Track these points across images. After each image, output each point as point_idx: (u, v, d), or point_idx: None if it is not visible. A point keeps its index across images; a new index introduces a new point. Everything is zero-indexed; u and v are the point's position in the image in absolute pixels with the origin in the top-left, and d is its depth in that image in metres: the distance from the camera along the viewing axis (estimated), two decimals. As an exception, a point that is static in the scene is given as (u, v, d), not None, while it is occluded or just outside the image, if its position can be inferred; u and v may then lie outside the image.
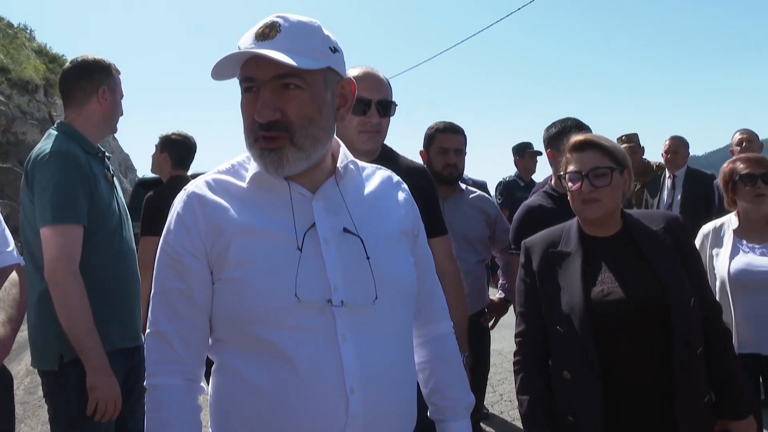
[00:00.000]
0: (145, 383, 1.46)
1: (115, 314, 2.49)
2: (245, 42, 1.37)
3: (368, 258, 1.42)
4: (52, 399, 2.44)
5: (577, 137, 2.17)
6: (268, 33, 1.35)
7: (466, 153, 3.46)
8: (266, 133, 1.36)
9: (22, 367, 6.16)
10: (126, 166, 30.84)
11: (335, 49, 1.42)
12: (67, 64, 2.65)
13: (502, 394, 5.36)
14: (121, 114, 2.71)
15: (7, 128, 13.22)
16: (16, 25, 18.78)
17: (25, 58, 16.18)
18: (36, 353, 2.45)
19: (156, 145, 4.32)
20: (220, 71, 1.37)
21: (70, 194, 2.36)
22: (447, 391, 1.68)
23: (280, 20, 1.36)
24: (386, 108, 2.38)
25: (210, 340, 1.49)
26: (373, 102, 2.32)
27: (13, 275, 2.07)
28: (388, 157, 2.46)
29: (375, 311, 1.41)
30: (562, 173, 2.15)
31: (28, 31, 19.36)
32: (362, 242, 1.43)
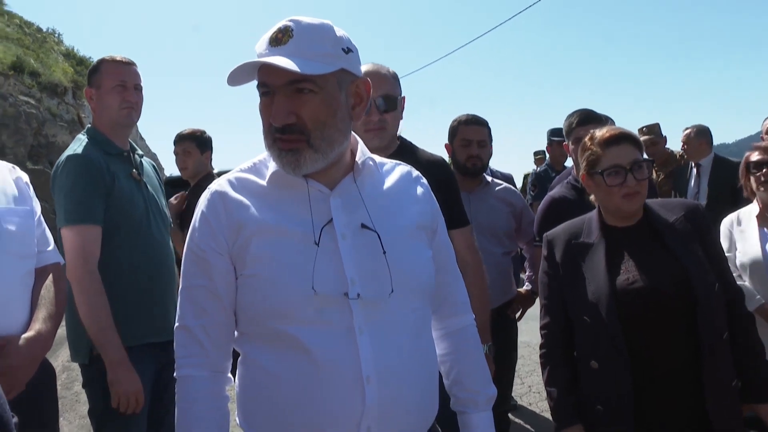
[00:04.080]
0: (174, 374, 1.51)
1: (142, 308, 2.56)
2: (260, 47, 1.41)
3: (384, 252, 1.45)
4: (87, 391, 2.54)
5: (608, 132, 2.16)
6: (281, 38, 1.38)
7: (491, 145, 3.48)
8: (282, 136, 1.40)
9: (58, 363, 6.30)
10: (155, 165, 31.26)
11: (348, 50, 1.44)
12: None
13: (531, 386, 5.37)
14: (130, 103, 2.70)
15: (38, 131, 13.44)
16: (44, 30, 19.08)
17: (53, 62, 16.43)
18: (71, 347, 2.55)
19: (190, 147, 4.19)
20: (235, 78, 1.42)
21: (83, 196, 2.44)
22: (467, 383, 1.70)
23: (292, 25, 1.39)
24: (389, 103, 2.41)
25: (236, 333, 1.53)
26: (373, 100, 2.33)
27: (55, 273, 2.15)
28: (406, 151, 2.49)
29: (391, 304, 1.44)
30: (599, 170, 2.11)
31: (57, 35, 19.66)
32: (379, 237, 1.46)
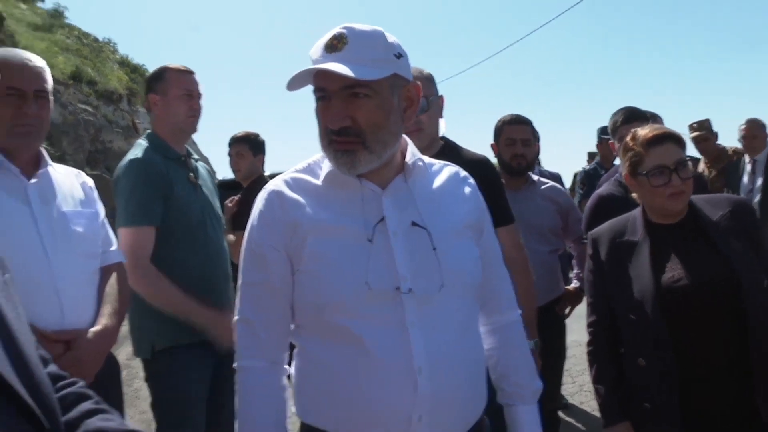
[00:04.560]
0: (234, 365, 1.59)
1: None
2: (315, 53, 1.48)
3: (434, 249, 1.50)
4: (151, 384, 2.65)
5: (651, 132, 2.15)
6: (336, 45, 1.44)
7: (537, 144, 3.50)
8: (339, 138, 1.46)
9: (119, 360, 6.52)
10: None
11: (399, 55, 1.50)
12: None
13: (582, 385, 5.34)
14: (194, 112, 2.80)
15: (95, 137, 13.89)
16: (101, 40, 19.70)
17: (109, 70, 16.96)
18: (134, 343, 2.66)
19: (243, 150, 4.27)
20: (293, 83, 1.48)
21: (143, 198, 2.54)
22: (513, 376, 1.75)
23: (346, 32, 1.45)
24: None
25: (292, 326, 1.61)
26: None
27: (119, 272, 2.27)
28: (450, 151, 2.53)
29: (441, 299, 1.49)
30: (642, 171, 2.11)
31: (112, 45, 20.28)
32: (429, 234, 1.51)
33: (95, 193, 2.34)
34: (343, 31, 1.45)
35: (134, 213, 2.53)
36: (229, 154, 4.31)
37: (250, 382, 1.56)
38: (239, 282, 1.60)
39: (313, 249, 1.49)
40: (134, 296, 2.49)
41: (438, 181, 1.66)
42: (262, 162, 4.36)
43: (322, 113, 1.49)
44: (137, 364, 4.48)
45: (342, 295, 1.46)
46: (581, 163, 9.53)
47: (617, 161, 5.68)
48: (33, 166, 2.14)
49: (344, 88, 1.44)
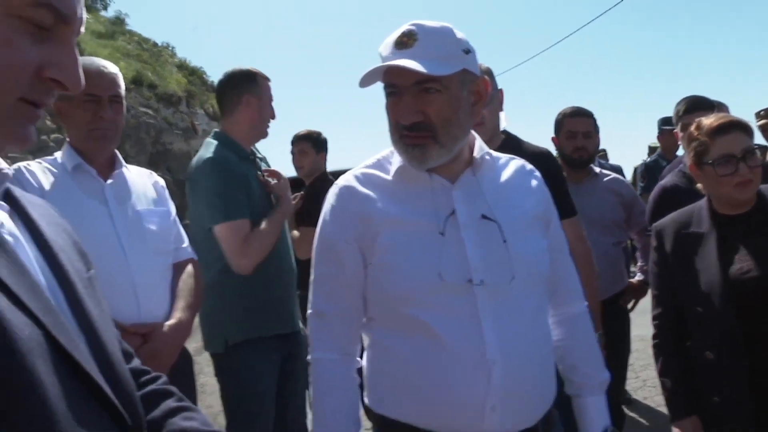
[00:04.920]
0: (308, 357, 1.63)
1: (271, 301, 2.72)
2: (385, 50, 1.50)
3: (505, 241, 1.52)
4: (221, 379, 2.71)
5: (717, 120, 2.12)
6: (406, 42, 1.46)
7: (597, 136, 3.46)
8: (410, 133, 1.49)
9: (184, 357, 6.69)
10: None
11: (468, 50, 1.51)
12: (220, 77, 2.88)
13: (646, 380, 5.25)
14: (272, 118, 2.89)
15: (156, 139, 14.24)
16: (160, 44, 20.22)
17: (168, 73, 17.36)
18: (206, 338, 2.72)
19: (306, 147, 4.30)
20: (365, 80, 1.50)
21: (231, 194, 2.59)
22: (581, 367, 1.75)
23: (415, 28, 1.47)
24: None
25: (364, 319, 1.64)
26: None
27: (189, 268, 2.35)
28: (512, 145, 2.53)
29: (512, 290, 1.51)
30: (708, 161, 2.08)
31: (170, 48, 20.78)
32: (499, 227, 1.53)
33: (167, 192, 2.42)
34: (413, 27, 1.47)
35: (228, 209, 2.57)
36: (292, 152, 4.35)
37: (324, 374, 1.60)
38: (312, 276, 1.64)
39: (386, 242, 1.52)
40: (206, 292, 2.57)
41: (505, 175, 1.67)
42: (325, 159, 4.40)
43: (393, 109, 1.52)
44: (202, 360, 4.61)
45: (415, 287, 1.48)
46: (640, 157, 9.32)
47: (680, 152, 5.59)
48: (109, 167, 2.24)
49: (415, 83, 1.46)
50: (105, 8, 22.41)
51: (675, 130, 3.21)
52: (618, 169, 4.46)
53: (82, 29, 0.83)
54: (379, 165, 1.65)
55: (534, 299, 1.58)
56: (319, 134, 4.36)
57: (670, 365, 2.17)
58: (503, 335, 1.47)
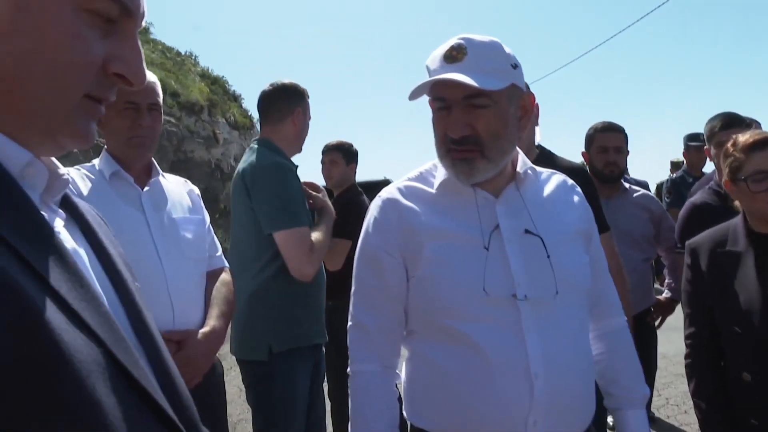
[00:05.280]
0: (348, 370, 1.63)
1: (312, 311, 2.75)
2: (433, 63, 1.51)
3: (548, 256, 1.52)
4: (258, 387, 2.67)
5: (752, 137, 2.10)
6: (455, 56, 1.46)
7: (627, 151, 3.45)
8: (458, 147, 1.49)
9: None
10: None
11: (515, 65, 1.52)
12: (268, 87, 2.89)
13: (668, 398, 5.20)
14: (306, 134, 2.95)
15: (178, 147, 14.36)
16: (183, 53, 20.40)
17: (191, 82, 17.50)
18: (247, 345, 2.69)
19: (337, 158, 4.30)
20: (414, 93, 1.51)
21: (295, 201, 2.64)
22: (622, 381, 1.75)
23: (464, 42, 1.48)
24: None
25: (404, 332, 1.64)
26: None
27: (224, 276, 2.36)
28: (545, 159, 2.54)
29: (556, 305, 1.50)
30: (742, 177, 2.07)
31: (193, 58, 20.95)
32: (543, 242, 1.53)
33: (201, 201, 2.44)
34: (462, 41, 1.48)
35: (294, 215, 2.60)
36: (322, 162, 4.35)
37: (364, 386, 1.60)
38: (353, 287, 1.65)
39: (430, 255, 1.52)
40: (251, 298, 2.59)
41: (547, 190, 1.67)
42: (354, 171, 4.40)
43: (441, 122, 1.53)
44: (228, 368, 4.61)
45: (460, 301, 1.48)
46: (660, 173, 9.24)
47: (706, 169, 5.55)
48: (145, 175, 2.26)
49: (465, 97, 1.47)
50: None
51: (706, 147, 3.19)
52: (644, 185, 4.43)
53: (143, 23, 0.82)
54: (422, 178, 1.65)
55: (576, 314, 1.57)
56: (350, 145, 4.36)
57: (704, 386, 2.14)
58: (547, 349, 1.46)
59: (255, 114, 17.48)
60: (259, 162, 2.68)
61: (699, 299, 2.18)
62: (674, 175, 5.98)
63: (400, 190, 1.63)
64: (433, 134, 1.57)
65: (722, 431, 2.07)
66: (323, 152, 4.37)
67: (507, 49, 1.52)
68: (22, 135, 0.73)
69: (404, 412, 1.64)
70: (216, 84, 19.22)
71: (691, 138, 5.72)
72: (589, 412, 1.60)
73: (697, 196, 3.15)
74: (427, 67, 1.53)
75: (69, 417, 0.61)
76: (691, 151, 5.72)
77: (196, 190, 2.46)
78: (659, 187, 6.21)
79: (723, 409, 2.08)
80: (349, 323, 1.65)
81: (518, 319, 1.47)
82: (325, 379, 3.00)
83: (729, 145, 2.17)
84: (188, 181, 2.49)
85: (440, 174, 1.60)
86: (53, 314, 0.62)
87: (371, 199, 1.78)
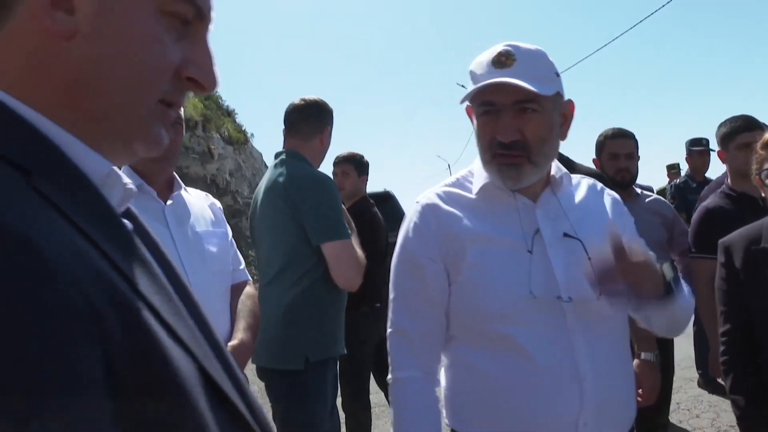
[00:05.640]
0: (389, 377, 1.63)
1: (341, 321, 2.80)
2: (480, 69, 1.52)
3: (590, 259, 1.52)
4: (291, 397, 2.65)
5: None
6: (504, 61, 1.48)
7: (638, 157, 3.47)
8: (505, 152, 1.50)
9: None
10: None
11: (557, 74, 1.55)
12: (299, 101, 2.93)
13: (679, 403, 5.21)
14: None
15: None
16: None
17: (186, 98, 17.53)
18: (282, 355, 2.67)
19: (348, 169, 4.30)
20: (467, 96, 1.53)
21: (341, 212, 2.71)
22: None
23: (512, 49, 1.49)
24: None
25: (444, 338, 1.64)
26: None
27: (248, 289, 2.36)
28: (565, 165, 2.55)
29: (599, 306, 1.51)
30: (760, 172, 2.11)
31: (186, 73, 21.00)
32: (583, 245, 1.54)
33: (222, 214, 2.44)
34: (509, 48, 1.50)
35: (343, 226, 2.67)
36: (334, 173, 4.34)
37: (407, 393, 1.59)
38: (392, 294, 1.65)
39: (473, 259, 1.53)
40: (288, 309, 2.62)
41: (580, 194, 1.70)
42: (365, 183, 4.41)
43: (488, 126, 1.53)
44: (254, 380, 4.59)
45: (506, 304, 1.49)
46: (659, 178, 9.32)
47: (708, 173, 5.59)
48: (167, 189, 2.25)
49: (516, 102, 1.48)
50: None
51: (719, 150, 3.21)
52: (650, 190, 4.47)
53: (212, 27, 0.79)
54: (460, 184, 1.67)
55: (619, 315, 1.59)
56: (362, 157, 4.38)
57: (741, 382, 2.15)
58: (593, 350, 1.48)
59: (249, 128, 17.52)
60: (302, 173, 2.72)
61: (734, 296, 2.20)
62: (677, 180, 6.02)
63: (438, 195, 1.64)
64: (477, 139, 1.58)
65: (761, 427, 2.08)
66: (335, 163, 4.37)
67: (550, 58, 1.54)
68: (99, 142, 0.71)
69: (446, 419, 1.64)
70: (209, 99, 19.22)
71: (694, 143, 5.76)
72: (632, 411, 1.61)
73: (710, 200, 3.18)
74: (472, 73, 1.54)
75: (178, 417, 0.60)
76: (694, 156, 5.76)
77: (218, 204, 2.47)
78: (660, 192, 6.24)
79: (761, 405, 2.09)
80: (389, 330, 1.64)
81: (563, 321, 1.48)
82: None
83: (759, 144, 2.20)
84: (209, 194, 2.49)
85: (478, 179, 1.61)
86: (156, 327, 0.61)
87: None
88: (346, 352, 2.84)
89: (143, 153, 0.76)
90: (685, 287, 1.61)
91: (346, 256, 2.62)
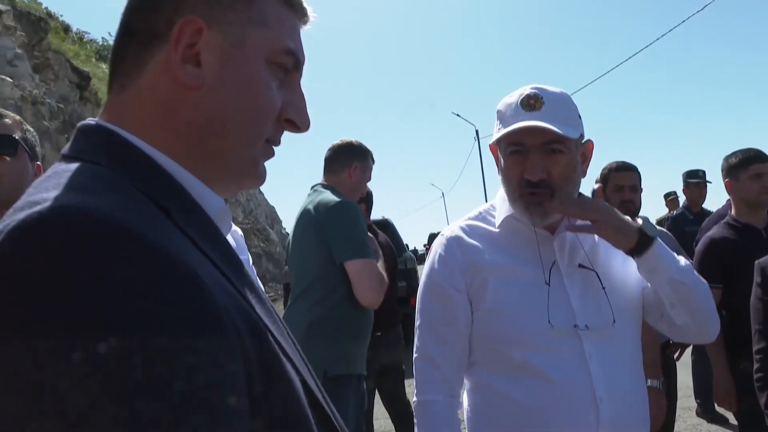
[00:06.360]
0: (414, 399, 1.71)
1: (363, 343, 2.92)
2: (509, 110, 1.61)
3: (604, 288, 1.62)
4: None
5: None
6: (533, 104, 1.57)
7: (641, 189, 3.58)
8: (533, 190, 1.59)
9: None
10: (272, 218, 32.32)
11: (580, 116, 1.65)
12: (338, 141, 3.22)
13: (679, 431, 5.26)
14: (363, 195, 3.30)
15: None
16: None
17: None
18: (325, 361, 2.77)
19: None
20: (499, 138, 1.62)
21: (366, 234, 2.86)
22: None
23: (539, 92, 1.59)
24: None
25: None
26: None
27: None
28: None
29: (614, 333, 1.61)
30: None
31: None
32: (597, 275, 1.63)
33: (243, 241, 2.53)
34: (537, 91, 1.59)
35: (366, 247, 2.83)
36: None
37: (433, 416, 1.67)
38: (419, 321, 1.73)
39: (495, 290, 1.62)
40: (311, 325, 2.74)
41: None
42: (369, 212, 4.48)
43: (517, 166, 1.62)
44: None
45: (526, 332, 1.58)
46: (658, 206, 9.38)
47: (706, 204, 5.68)
48: None
49: (544, 143, 1.57)
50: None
51: (727, 180, 3.30)
52: (645, 221, 4.56)
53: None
54: (482, 218, 1.77)
55: (632, 340, 1.68)
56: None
57: None
58: (609, 375, 1.56)
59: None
60: (329, 199, 2.90)
61: None
62: (674, 212, 6.08)
63: (462, 228, 1.74)
64: (503, 177, 1.68)
65: None
66: None
67: (573, 101, 1.65)
68: (214, 180, 0.80)
69: None
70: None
71: (690, 175, 5.83)
72: (646, 431, 1.68)
73: (715, 231, 3.28)
74: (501, 114, 1.64)
75: (296, 424, 0.69)
76: (691, 188, 5.84)
77: (239, 231, 2.55)
78: (660, 222, 6.31)
79: None
80: (416, 355, 1.72)
81: (581, 348, 1.57)
82: None
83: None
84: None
85: (500, 213, 1.71)
86: (275, 346, 0.70)
87: None
88: (365, 373, 2.94)
89: (248, 188, 0.87)
90: (683, 260, 1.68)
91: (368, 274, 2.76)
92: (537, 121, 1.55)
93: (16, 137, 1.75)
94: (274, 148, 0.86)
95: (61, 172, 0.67)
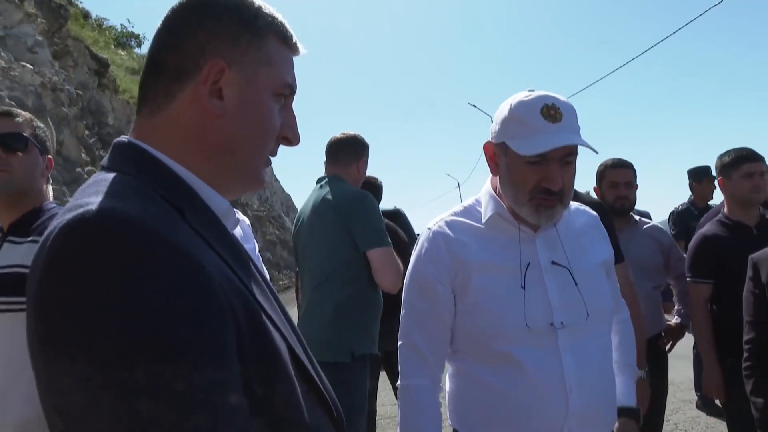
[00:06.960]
0: (398, 384, 1.83)
1: (377, 325, 3.10)
2: (531, 118, 1.62)
3: (576, 284, 1.73)
4: (337, 388, 2.90)
5: None
6: (554, 115, 1.61)
7: (637, 185, 3.67)
8: (547, 197, 1.65)
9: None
10: (288, 206, 32.53)
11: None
12: (340, 135, 3.33)
13: (677, 424, 5.35)
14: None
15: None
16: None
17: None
18: (330, 349, 2.92)
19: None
20: (534, 153, 1.63)
21: (383, 223, 3.06)
22: (619, 352, 1.98)
23: (556, 102, 1.63)
24: None
25: (449, 350, 1.84)
26: None
27: None
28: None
29: (587, 327, 1.72)
30: None
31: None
32: (570, 272, 1.74)
33: (251, 230, 2.66)
34: (554, 101, 1.63)
35: (386, 236, 3.03)
36: None
37: (415, 398, 1.79)
38: (404, 310, 1.84)
39: (478, 286, 1.72)
40: (337, 308, 2.92)
41: (578, 223, 1.88)
42: (378, 202, 4.56)
43: (535, 174, 1.65)
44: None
45: (505, 328, 1.69)
46: (660, 204, 9.20)
47: (712, 201, 5.73)
48: None
49: (565, 155, 1.64)
50: (139, 46, 23.66)
51: (719, 179, 3.38)
52: (647, 215, 4.64)
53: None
54: (468, 213, 1.84)
55: (604, 334, 1.79)
56: (375, 179, 4.53)
57: (761, 387, 2.37)
58: (580, 367, 1.67)
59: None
60: (349, 190, 3.09)
61: (759, 308, 2.45)
62: (680, 206, 6.07)
63: (448, 223, 1.82)
64: (514, 181, 1.70)
65: None
66: None
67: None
68: (223, 186, 0.99)
69: (449, 420, 1.84)
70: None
71: (704, 173, 5.83)
72: (613, 419, 1.81)
73: (707, 228, 3.37)
74: (520, 119, 1.64)
75: (283, 397, 0.87)
76: (704, 183, 5.85)
77: (246, 220, 2.69)
78: (671, 215, 6.20)
79: None
80: (400, 342, 1.83)
81: (555, 343, 1.68)
82: None
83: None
84: (238, 210, 2.71)
85: (487, 210, 1.79)
86: (264, 317, 0.89)
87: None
88: (379, 353, 3.13)
89: (251, 191, 1.07)
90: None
91: (389, 261, 2.96)
92: (563, 133, 1.60)
93: (27, 134, 1.96)
94: (271, 158, 1.06)
95: (100, 180, 0.86)
